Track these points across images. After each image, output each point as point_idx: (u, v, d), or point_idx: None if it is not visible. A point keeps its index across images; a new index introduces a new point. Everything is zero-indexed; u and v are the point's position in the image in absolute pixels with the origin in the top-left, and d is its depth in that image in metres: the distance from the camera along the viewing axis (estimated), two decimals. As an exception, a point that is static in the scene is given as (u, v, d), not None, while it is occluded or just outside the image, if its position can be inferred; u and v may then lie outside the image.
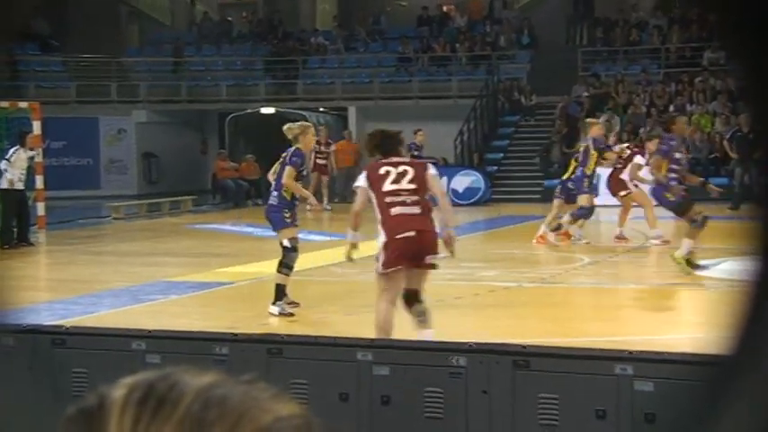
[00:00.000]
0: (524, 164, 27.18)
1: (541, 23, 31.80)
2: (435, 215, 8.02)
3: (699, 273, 11.92)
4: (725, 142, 22.58)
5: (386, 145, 8.15)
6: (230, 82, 31.65)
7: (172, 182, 29.80)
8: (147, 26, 36.46)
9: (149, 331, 6.92)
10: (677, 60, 28.77)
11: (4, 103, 19.13)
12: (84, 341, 6.94)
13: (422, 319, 8.13)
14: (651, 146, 14.47)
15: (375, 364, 6.42)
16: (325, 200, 24.63)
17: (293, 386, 6.36)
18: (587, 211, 15.46)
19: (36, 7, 30.41)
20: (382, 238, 7.84)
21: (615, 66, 29.10)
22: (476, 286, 12.16)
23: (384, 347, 6.58)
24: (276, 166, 10.73)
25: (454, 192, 25.24)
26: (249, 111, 29.94)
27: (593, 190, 15.86)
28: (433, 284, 12.61)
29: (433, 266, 7.97)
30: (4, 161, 16.86)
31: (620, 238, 16.03)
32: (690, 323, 8.24)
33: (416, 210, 7.80)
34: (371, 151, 8.30)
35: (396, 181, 7.83)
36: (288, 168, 10.37)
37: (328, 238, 17.99)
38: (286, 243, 10.37)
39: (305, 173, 11.03)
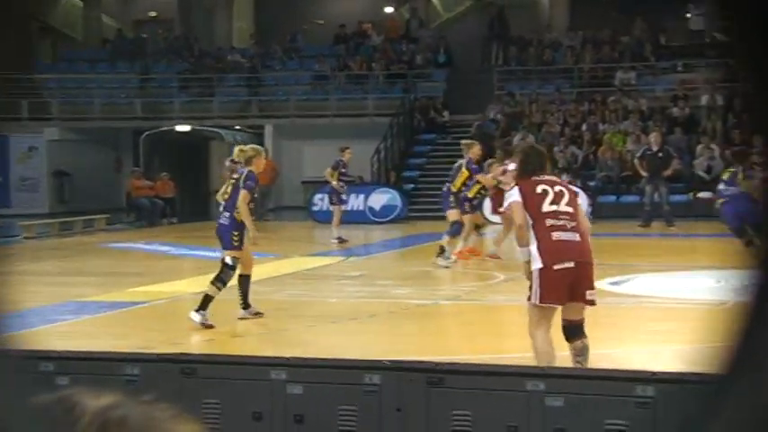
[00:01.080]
0: (441, 182, 27.25)
1: (457, 43, 32.10)
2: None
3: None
4: (636, 161, 23.00)
5: (537, 161, 7.54)
6: (145, 99, 31.32)
7: (85, 200, 29.33)
8: (59, 42, 35.92)
9: (58, 352, 6.79)
10: (590, 80, 29.27)
11: None
12: (-9, 363, 6.78)
13: (580, 359, 7.19)
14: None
15: (289, 383, 6.39)
16: None
17: (206, 406, 6.30)
18: (459, 228, 15.69)
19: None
20: (537, 264, 7.04)
21: (529, 85, 29.49)
22: (391, 304, 12.18)
23: (298, 366, 6.55)
24: (227, 186, 10.89)
25: (371, 209, 25.32)
26: (164, 128, 29.65)
27: (461, 206, 15.94)
28: (348, 302, 12.65)
29: (592, 303, 7.20)
30: None
31: (493, 256, 16.27)
32: (600, 339, 8.34)
33: (577, 237, 7.13)
34: (523, 168, 7.58)
35: (554, 202, 7.18)
36: (243, 192, 10.58)
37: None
38: (228, 260, 10.57)
39: (256, 195, 11.19)
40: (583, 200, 7.64)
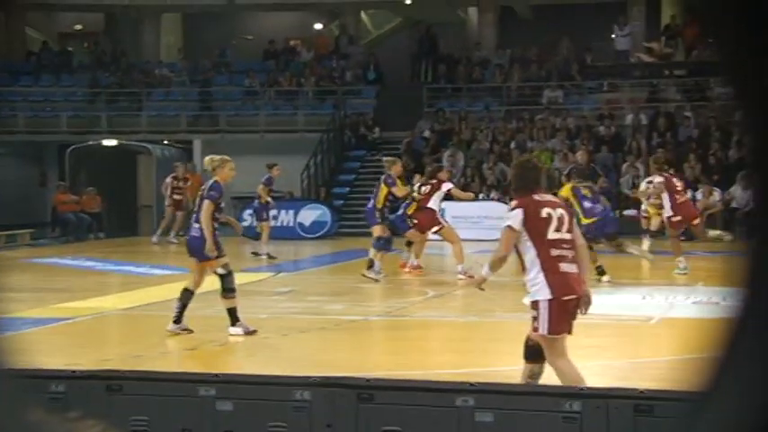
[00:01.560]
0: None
1: (387, 59, 32.25)
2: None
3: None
4: (563, 178, 23.24)
5: (533, 177, 6.97)
6: (71, 113, 30.90)
7: (8, 215, 28.77)
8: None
9: (-19, 369, 6.65)
10: (518, 98, 29.59)
11: None
12: None
13: (532, 381, 6.93)
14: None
15: (218, 399, 6.34)
16: (173, 233, 24.25)
17: (134, 423, 6.22)
18: (385, 242, 15.91)
19: None
20: (545, 294, 6.58)
21: (459, 102, 29.71)
22: (322, 320, 12.15)
23: (227, 382, 6.49)
24: (197, 198, 11.06)
25: (301, 225, 25.28)
26: (91, 143, 29.26)
27: (386, 220, 16.45)
28: (278, 318, 12.58)
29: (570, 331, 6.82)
30: None
31: (416, 267, 16.60)
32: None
33: (575, 268, 6.71)
34: (517, 186, 7.08)
35: (558, 229, 6.70)
36: (206, 203, 10.55)
37: (171, 272, 17.69)
38: (221, 270, 10.45)
39: (222, 205, 11.19)
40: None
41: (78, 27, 37.41)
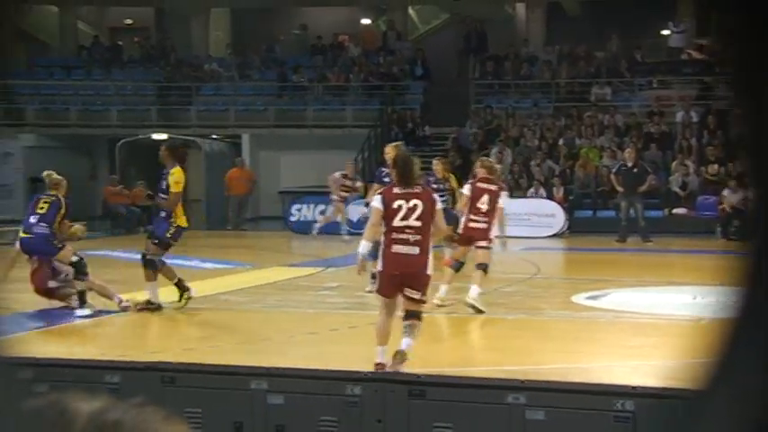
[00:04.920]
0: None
1: (434, 55, 32.21)
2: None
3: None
4: (612, 176, 23.13)
5: (408, 171, 8.63)
6: (121, 107, 31.20)
7: (59, 207, 29.16)
8: (34, 48, 35.72)
9: (37, 359, 6.77)
10: (566, 95, 29.43)
11: None
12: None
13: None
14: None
15: (269, 393, 6.40)
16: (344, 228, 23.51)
17: (187, 415, 6.29)
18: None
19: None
20: (379, 266, 8.55)
21: (506, 99, 29.60)
22: (371, 315, 12.16)
23: (279, 376, 6.56)
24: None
25: (349, 221, 25.31)
26: (141, 136, 29.55)
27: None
28: (327, 313, 12.65)
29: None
30: None
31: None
32: (579, 353, 8.39)
33: (414, 250, 8.37)
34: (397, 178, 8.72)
35: (405, 218, 8.44)
36: None
37: (221, 266, 17.86)
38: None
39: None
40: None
41: (128, 22, 37.74)
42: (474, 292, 12.07)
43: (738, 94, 1.41)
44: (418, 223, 8.15)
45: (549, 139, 27.12)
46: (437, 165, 15.44)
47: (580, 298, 13.02)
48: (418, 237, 8.15)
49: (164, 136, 29.04)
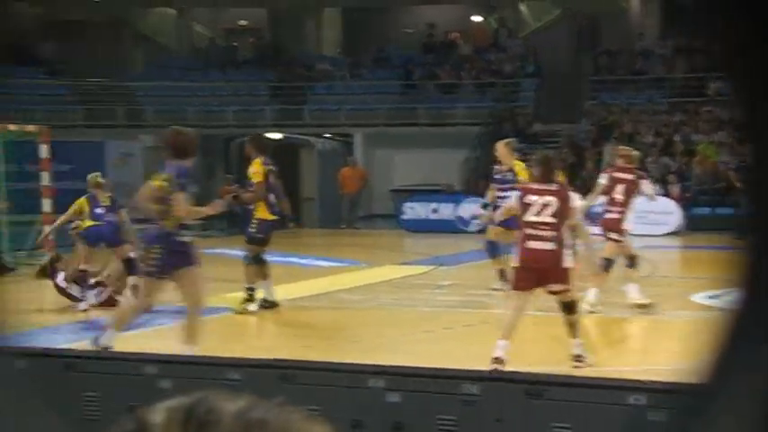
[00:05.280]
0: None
1: (547, 51, 31.92)
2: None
3: None
4: (730, 172, 22.60)
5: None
6: (236, 107, 31.75)
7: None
8: (152, 50, 36.60)
9: (161, 356, 6.92)
10: (682, 90, 28.84)
11: (13, 127, 19.19)
12: (96, 365, 6.94)
13: None
14: None
15: (387, 391, 6.42)
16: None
17: (307, 412, 6.36)
18: None
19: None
20: None
21: (621, 95, 29.17)
22: (485, 314, 12.15)
23: (396, 374, 6.57)
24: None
25: (461, 219, 25.26)
26: (256, 136, 29.97)
27: None
28: (440, 311, 12.66)
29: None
30: None
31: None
32: (702, 353, 8.21)
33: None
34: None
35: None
36: None
37: (335, 264, 18.02)
38: None
39: None
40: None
41: (243, 23, 38.36)
42: (632, 290, 11.83)
43: (739, 93, 1.38)
44: (552, 220, 8.35)
45: (664, 135, 26.62)
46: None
47: (700, 297, 12.75)
48: (553, 233, 8.34)
49: (278, 135, 29.44)
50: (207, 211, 9.33)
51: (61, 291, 13.04)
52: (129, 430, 1.02)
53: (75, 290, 12.97)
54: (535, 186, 8.69)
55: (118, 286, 12.95)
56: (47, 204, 17.84)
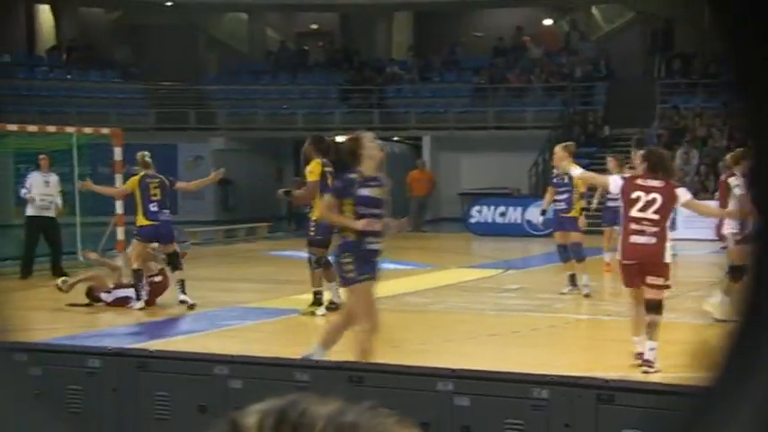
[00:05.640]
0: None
1: (618, 55, 31.62)
2: None
3: None
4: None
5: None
6: (306, 110, 31.94)
7: (247, 208, 30.09)
8: (225, 54, 37.00)
9: (232, 356, 6.99)
10: (757, 94, 28.37)
11: (88, 130, 19.52)
12: (168, 365, 7.03)
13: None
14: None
15: (456, 395, 6.41)
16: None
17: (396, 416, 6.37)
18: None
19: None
20: None
21: (694, 98, 28.78)
22: (552, 318, 12.08)
23: (465, 378, 6.56)
24: None
25: (528, 223, 25.12)
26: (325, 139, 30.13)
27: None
28: (507, 315, 12.60)
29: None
30: (23, 189, 16.51)
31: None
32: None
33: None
34: None
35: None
36: None
37: (403, 267, 18.03)
38: None
39: None
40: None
41: (314, 26, 38.60)
42: (716, 298, 11.65)
43: (740, 94, 1.36)
44: (656, 216, 8.45)
45: (739, 139, 26.20)
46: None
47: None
48: (656, 228, 8.46)
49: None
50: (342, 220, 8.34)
51: (113, 303, 13.14)
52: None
53: (125, 292, 13.11)
54: (640, 182, 8.64)
55: (100, 281, 13.15)
56: (119, 206, 18.12)
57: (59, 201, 16.78)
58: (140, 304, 12.77)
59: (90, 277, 13.42)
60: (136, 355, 7.23)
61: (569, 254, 13.86)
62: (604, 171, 28.67)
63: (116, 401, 6.87)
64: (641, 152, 9.29)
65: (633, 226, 8.54)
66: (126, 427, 6.86)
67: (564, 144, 13.73)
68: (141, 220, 12.91)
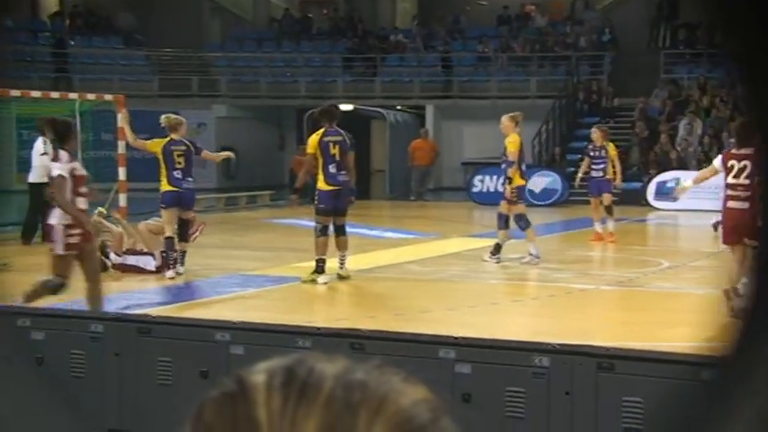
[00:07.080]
0: (602, 166, 26.92)
1: (623, 25, 31.48)
2: None
3: None
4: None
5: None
6: (309, 78, 31.86)
7: (249, 176, 30.08)
8: (229, 22, 36.85)
9: (233, 323, 7.00)
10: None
11: (90, 96, 19.48)
12: (170, 331, 7.04)
13: None
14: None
15: (457, 362, 6.43)
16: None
17: (404, 374, 6.39)
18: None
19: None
20: None
21: (698, 68, 28.67)
22: (552, 287, 12.10)
23: (466, 346, 6.58)
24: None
25: (531, 192, 25.09)
26: (327, 107, 30.06)
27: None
28: (510, 284, 12.64)
29: None
30: (43, 152, 15.63)
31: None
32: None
33: None
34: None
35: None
36: None
37: (403, 236, 18.06)
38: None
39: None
40: None
41: (318, -6, 38.42)
42: None
43: (746, 82, 1.35)
44: (747, 181, 9.08)
45: (741, 109, 26.13)
46: (595, 132, 16.82)
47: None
48: (748, 193, 9.05)
49: (350, 107, 29.50)
50: None
51: (119, 267, 13.10)
52: (229, 390, 1.03)
53: (137, 259, 13.08)
54: (734, 151, 9.49)
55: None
56: (122, 173, 18.12)
57: None
58: (171, 273, 12.62)
59: (114, 233, 13.43)
60: (138, 320, 7.25)
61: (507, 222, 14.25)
62: (611, 141, 28.73)
63: (118, 366, 6.90)
64: (735, 123, 10.24)
65: (729, 192, 9.29)
66: (128, 391, 6.89)
67: (511, 114, 14.28)
68: (165, 185, 12.79)
